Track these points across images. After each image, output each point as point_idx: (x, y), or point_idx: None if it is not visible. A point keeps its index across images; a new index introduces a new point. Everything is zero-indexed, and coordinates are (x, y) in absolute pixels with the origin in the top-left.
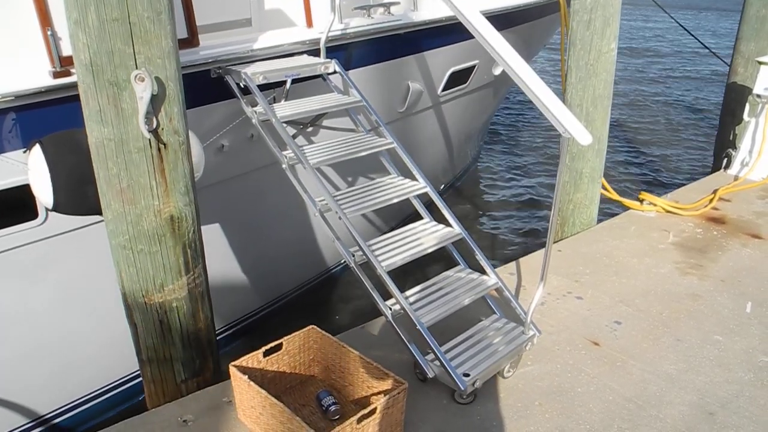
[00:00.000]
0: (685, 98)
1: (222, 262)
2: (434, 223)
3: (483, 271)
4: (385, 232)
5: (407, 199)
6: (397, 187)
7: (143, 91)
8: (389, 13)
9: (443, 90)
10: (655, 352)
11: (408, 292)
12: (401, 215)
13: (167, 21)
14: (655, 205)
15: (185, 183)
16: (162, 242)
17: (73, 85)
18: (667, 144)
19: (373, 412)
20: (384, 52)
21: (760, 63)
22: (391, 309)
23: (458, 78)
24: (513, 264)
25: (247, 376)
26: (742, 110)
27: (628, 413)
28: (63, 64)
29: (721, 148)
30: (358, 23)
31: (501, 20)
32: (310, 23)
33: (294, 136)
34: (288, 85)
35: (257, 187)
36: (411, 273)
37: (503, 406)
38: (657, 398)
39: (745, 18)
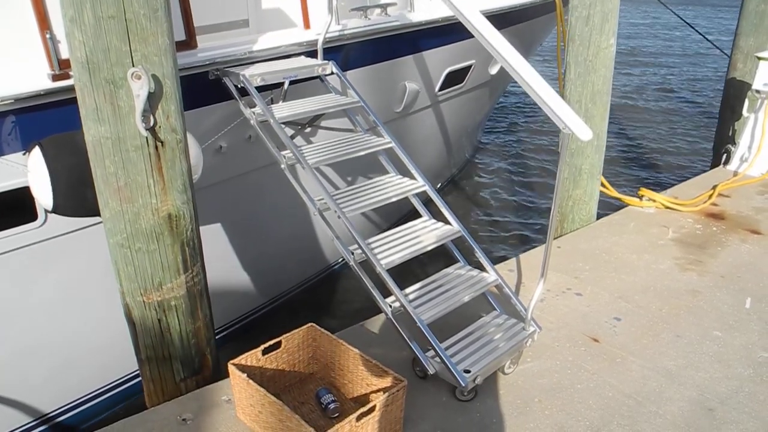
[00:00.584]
0: (684, 94)
1: (221, 262)
2: (433, 221)
3: (482, 268)
4: (384, 230)
5: (406, 198)
6: (396, 186)
7: (140, 89)
8: (386, 14)
9: (440, 90)
10: (654, 348)
11: (408, 290)
12: (399, 213)
13: (164, 18)
14: (654, 201)
15: (183, 181)
16: (160, 240)
17: (72, 88)
18: (666, 140)
19: (372, 409)
20: (381, 53)
21: (760, 58)
22: (390, 306)
23: (455, 78)
24: (512, 261)
25: (246, 375)
26: (742, 106)
27: (627, 409)
28: (62, 67)
29: (721, 144)
30: (356, 24)
31: (498, 20)
32: (307, 24)
33: (292, 137)
34: (286, 86)
35: (256, 187)
36: (411, 271)
37: (503, 403)
38: (656, 394)
39: (744, 13)
